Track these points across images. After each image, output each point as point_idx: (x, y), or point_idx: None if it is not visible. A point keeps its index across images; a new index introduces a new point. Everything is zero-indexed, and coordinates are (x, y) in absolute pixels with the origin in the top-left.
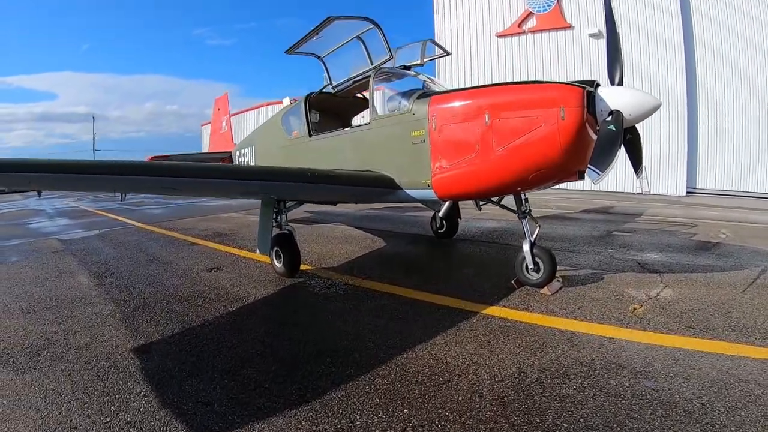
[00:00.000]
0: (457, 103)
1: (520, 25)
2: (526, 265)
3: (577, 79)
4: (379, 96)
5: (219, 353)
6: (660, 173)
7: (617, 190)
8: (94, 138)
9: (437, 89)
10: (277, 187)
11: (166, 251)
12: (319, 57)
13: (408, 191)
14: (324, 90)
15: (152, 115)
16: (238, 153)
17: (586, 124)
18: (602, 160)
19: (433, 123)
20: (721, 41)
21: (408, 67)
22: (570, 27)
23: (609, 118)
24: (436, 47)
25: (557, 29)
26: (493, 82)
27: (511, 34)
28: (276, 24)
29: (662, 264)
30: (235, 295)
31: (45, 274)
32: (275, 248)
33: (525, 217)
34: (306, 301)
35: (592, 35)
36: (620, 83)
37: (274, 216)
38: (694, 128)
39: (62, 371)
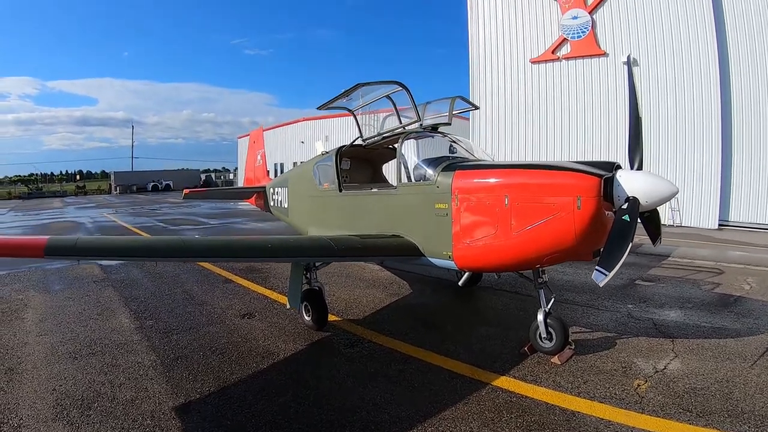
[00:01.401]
0: (479, 181)
1: (554, 52)
2: (540, 334)
3: (597, 159)
4: (405, 162)
5: (251, 418)
6: (692, 204)
7: None
8: (132, 145)
9: (462, 156)
10: (306, 260)
11: (201, 288)
12: (351, 111)
13: (431, 259)
14: (355, 143)
15: (189, 122)
16: (272, 191)
17: (602, 212)
18: (611, 258)
19: (456, 199)
20: (756, 68)
21: (436, 127)
22: (604, 54)
23: (625, 206)
24: (465, 103)
25: (591, 56)
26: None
27: (545, 60)
28: (313, 35)
29: (678, 326)
30: (266, 350)
31: (88, 311)
32: (305, 302)
33: (541, 288)
34: (331, 361)
35: (627, 63)
36: (639, 168)
37: (305, 273)
38: (727, 157)
39: (112, 428)
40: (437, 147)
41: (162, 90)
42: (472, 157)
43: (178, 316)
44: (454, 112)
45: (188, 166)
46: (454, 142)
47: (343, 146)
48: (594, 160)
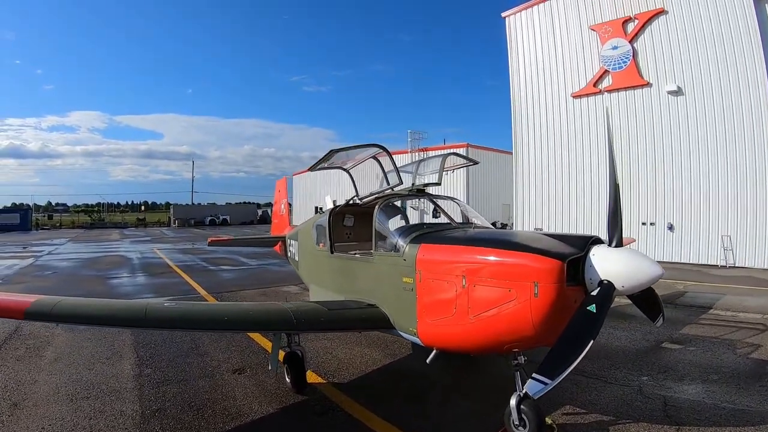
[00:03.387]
0: (440, 257)
1: (595, 84)
2: (513, 420)
3: (580, 233)
4: (380, 228)
5: None
6: (746, 242)
7: (700, 261)
8: (192, 180)
9: (442, 223)
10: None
11: (209, 338)
12: (345, 170)
13: (401, 332)
14: (350, 202)
15: (250, 157)
16: (288, 242)
17: (567, 299)
18: (559, 362)
19: (419, 274)
20: None
21: (422, 190)
22: (647, 84)
23: (595, 292)
24: (461, 159)
25: (634, 87)
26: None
27: (587, 94)
28: (370, 70)
29: (692, 407)
30: (238, 411)
31: (99, 353)
32: (285, 365)
33: (517, 370)
34: (295, 428)
35: (671, 92)
36: (618, 245)
37: (287, 336)
38: None
39: None
40: (412, 220)
41: (224, 126)
42: (454, 224)
43: (176, 366)
44: (449, 170)
45: (248, 199)
46: (438, 206)
47: (337, 206)
48: (572, 233)
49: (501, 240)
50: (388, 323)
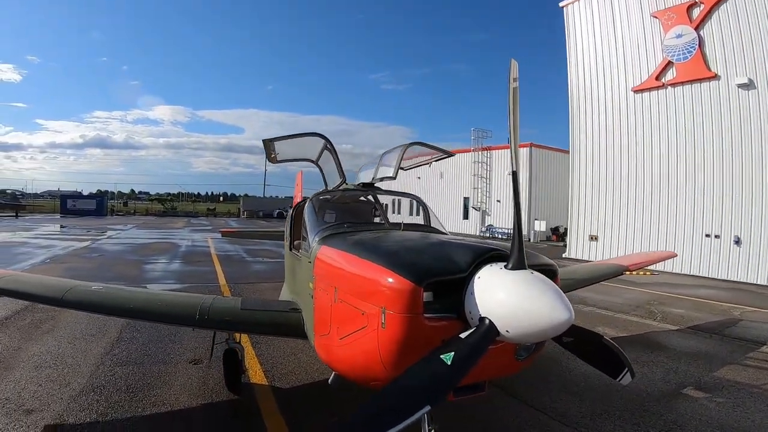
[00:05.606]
0: (326, 264)
1: (658, 78)
2: None
3: (485, 242)
4: (306, 224)
5: None
6: None
7: None
8: (265, 172)
9: (374, 223)
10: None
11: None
12: (314, 162)
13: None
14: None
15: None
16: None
17: (428, 337)
18: (365, 427)
19: (315, 280)
20: None
21: (370, 184)
22: (715, 77)
23: (465, 335)
24: (428, 149)
25: (700, 80)
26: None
27: (649, 89)
28: (448, 69)
29: None
30: (166, 399)
31: (88, 331)
32: (223, 363)
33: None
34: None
35: (742, 86)
36: (519, 267)
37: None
38: None
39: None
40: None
41: (303, 121)
42: (387, 224)
43: (145, 349)
44: (424, 160)
45: None
46: (377, 202)
47: (301, 203)
48: (480, 242)
49: (374, 246)
50: (302, 332)
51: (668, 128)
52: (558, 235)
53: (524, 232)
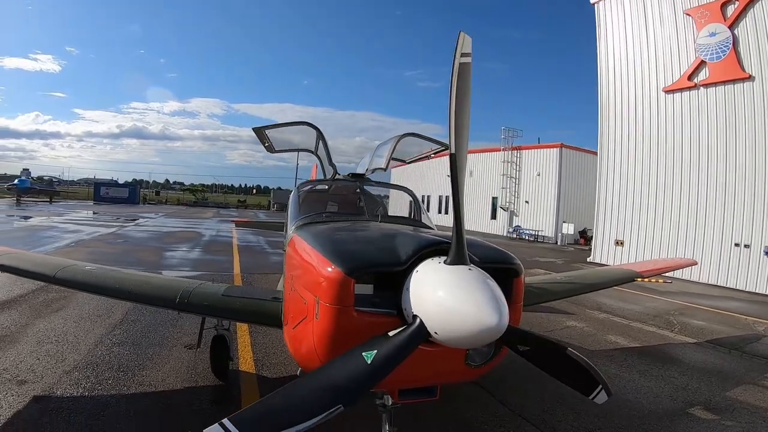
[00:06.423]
0: (291, 252)
1: (690, 78)
2: None
3: (437, 233)
4: (289, 213)
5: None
6: None
7: None
8: (297, 166)
9: (351, 213)
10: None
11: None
12: (314, 152)
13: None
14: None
15: (361, 149)
16: None
17: (359, 332)
18: (264, 422)
19: (284, 269)
20: None
21: (360, 175)
22: (749, 78)
23: (393, 333)
24: (423, 140)
25: (734, 81)
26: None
27: (681, 89)
28: (483, 68)
29: None
30: (153, 380)
31: (96, 311)
32: (210, 348)
33: (383, 412)
34: (173, 414)
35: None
36: (456, 262)
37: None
38: None
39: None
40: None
41: (338, 117)
42: (367, 216)
43: (145, 331)
44: (424, 152)
45: None
46: (363, 195)
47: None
48: (431, 232)
49: (327, 236)
50: (278, 321)
51: (699, 130)
52: (586, 238)
53: (549, 234)
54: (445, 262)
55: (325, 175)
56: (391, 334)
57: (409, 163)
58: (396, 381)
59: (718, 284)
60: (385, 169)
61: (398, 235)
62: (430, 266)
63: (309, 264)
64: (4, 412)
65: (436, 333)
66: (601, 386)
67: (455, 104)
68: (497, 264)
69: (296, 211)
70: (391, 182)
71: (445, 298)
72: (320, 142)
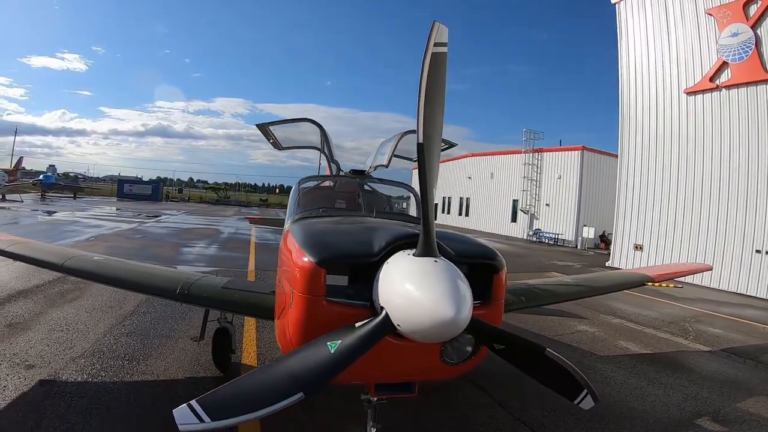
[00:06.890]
0: (282, 244)
1: (712, 79)
2: None
3: (408, 228)
4: (288, 206)
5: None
6: None
7: None
8: (319, 168)
9: (348, 210)
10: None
11: None
12: (319, 149)
13: None
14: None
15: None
16: None
17: (329, 322)
18: (231, 404)
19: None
20: None
21: (361, 171)
22: None
23: (360, 324)
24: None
25: (757, 83)
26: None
27: (702, 91)
28: (506, 70)
29: None
30: (156, 370)
31: (110, 303)
32: (212, 340)
33: (368, 408)
34: (166, 405)
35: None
36: (424, 254)
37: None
38: None
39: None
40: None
41: (361, 118)
42: (363, 212)
43: (155, 323)
44: (399, 156)
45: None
46: (361, 192)
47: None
48: (402, 226)
49: (312, 230)
50: (271, 314)
51: (721, 133)
52: (606, 242)
53: (570, 237)
54: (414, 254)
55: (332, 172)
56: (357, 325)
57: (415, 161)
58: (369, 375)
59: (739, 291)
60: (386, 166)
61: (377, 229)
62: (399, 258)
63: (290, 255)
64: (10, 393)
65: (399, 325)
66: (586, 391)
67: (425, 93)
68: (475, 259)
69: (294, 206)
70: (410, 182)
71: (408, 290)
72: (323, 139)
